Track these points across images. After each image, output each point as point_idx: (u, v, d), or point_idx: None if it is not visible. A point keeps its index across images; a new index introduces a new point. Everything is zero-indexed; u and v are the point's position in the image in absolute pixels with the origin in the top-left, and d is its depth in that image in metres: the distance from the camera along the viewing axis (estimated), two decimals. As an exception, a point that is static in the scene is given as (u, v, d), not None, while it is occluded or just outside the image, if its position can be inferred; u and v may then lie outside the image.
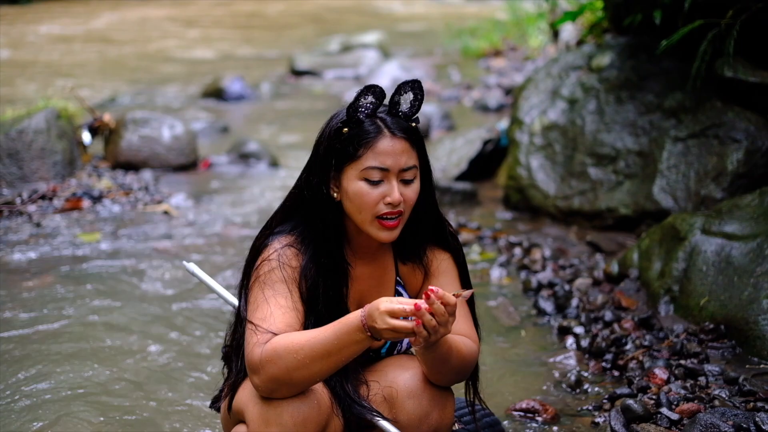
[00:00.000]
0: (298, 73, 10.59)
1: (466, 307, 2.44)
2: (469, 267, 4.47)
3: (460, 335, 2.36)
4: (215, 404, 2.63)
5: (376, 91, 2.26)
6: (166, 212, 5.52)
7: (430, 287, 2.10)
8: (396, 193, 2.25)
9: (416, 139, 2.30)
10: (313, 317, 2.30)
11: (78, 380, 3.36)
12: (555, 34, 9.01)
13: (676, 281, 3.83)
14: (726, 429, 2.70)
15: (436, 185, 5.58)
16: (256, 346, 2.17)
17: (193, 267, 2.65)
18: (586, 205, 5.10)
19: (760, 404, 2.91)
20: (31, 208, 5.49)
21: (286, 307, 2.25)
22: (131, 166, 6.40)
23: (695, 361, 3.30)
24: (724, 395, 3.01)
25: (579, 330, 3.72)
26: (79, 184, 5.92)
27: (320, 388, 2.28)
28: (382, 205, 2.26)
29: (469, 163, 6.09)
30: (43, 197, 5.65)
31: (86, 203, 5.61)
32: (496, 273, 4.47)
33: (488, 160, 6.19)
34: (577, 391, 3.29)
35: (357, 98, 2.26)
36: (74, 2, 18.43)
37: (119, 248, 4.87)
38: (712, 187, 4.61)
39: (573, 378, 3.35)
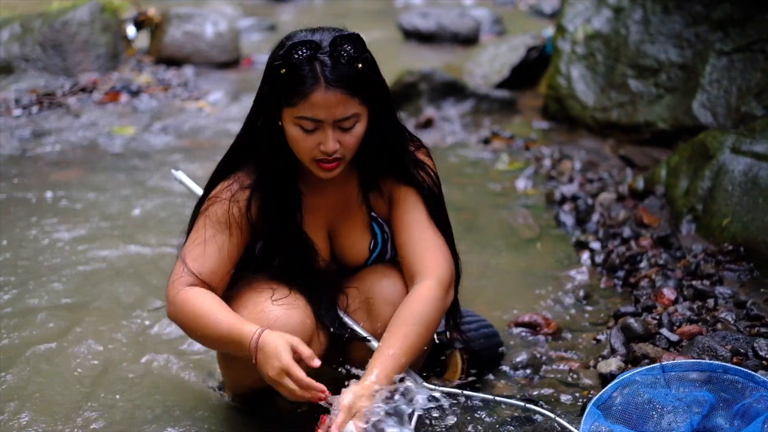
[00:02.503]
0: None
1: (427, 226, 2.38)
2: (495, 176, 4.46)
3: (416, 269, 2.33)
4: None
5: (311, 45, 2.14)
6: (201, 108, 5.54)
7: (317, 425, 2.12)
8: (330, 143, 2.18)
9: (359, 85, 2.18)
10: (271, 246, 2.33)
11: (90, 268, 3.42)
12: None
13: (701, 200, 3.74)
14: (723, 353, 2.66)
15: (475, 92, 5.58)
16: (176, 282, 2.26)
17: (181, 176, 2.65)
18: (624, 117, 4.99)
19: (763, 330, 2.85)
20: (71, 100, 5.54)
21: (218, 252, 2.27)
22: (174, 61, 6.41)
23: (708, 282, 3.24)
24: (729, 319, 2.95)
25: (595, 245, 3.67)
26: (120, 78, 5.95)
27: (303, 304, 2.32)
28: (317, 151, 2.21)
29: (511, 71, 5.98)
30: (83, 90, 5.70)
31: (124, 97, 5.64)
32: (521, 183, 4.42)
33: (532, 68, 6.07)
34: (584, 306, 3.27)
35: (293, 47, 2.14)
36: None
37: (150, 142, 4.92)
38: (753, 104, 4.46)
39: (582, 293, 3.32)
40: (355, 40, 2.18)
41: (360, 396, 2.13)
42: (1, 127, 5.06)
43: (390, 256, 2.45)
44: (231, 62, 6.53)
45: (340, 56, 2.16)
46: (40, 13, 6.24)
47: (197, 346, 2.84)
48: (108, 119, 5.29)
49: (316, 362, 2.14)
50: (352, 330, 2.35)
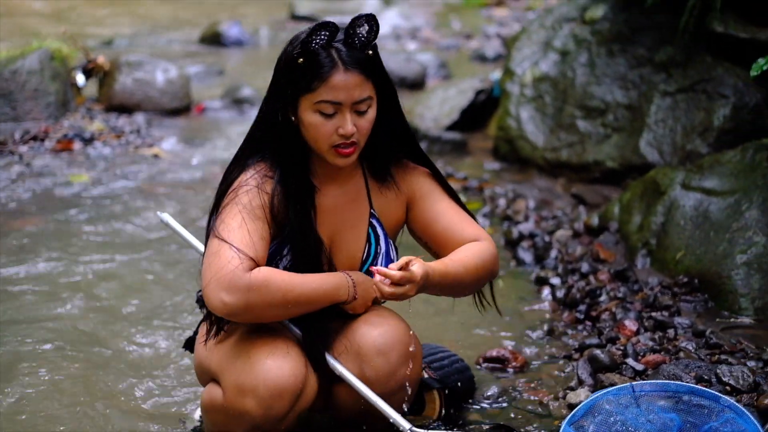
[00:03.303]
0: (297, 18, 10.52)
1: (457, 207, 2.52)
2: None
3: (467, 240, 2.46)
4: (189, 346, 2.69)
5: (330, 27, 2.28)
6: (156, 155, 5.56)
7: (373, 269, 2.28)
8: (349, 125, 2.29)
9: (372, 68, 2.33)
10: (287, 244, 2.36)
11: (58, 323, 3.42)
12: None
13: (654, 235, 3.87)
14: (688, 380, 2.76)
15: (426, 134, 5.68)
16: (239, 268, 2.22)
17: (167, 218, 2.68)
18: (573, 157, 5.11)
19: (723, 357, 2.96)
20: (23, 148, 5.53)
21: (261, 239, 2.30)
22: (125, 108, 6.41)
23: (666, 313, 3.35)
24: (690, 348, 3.06)
25: (555, 281, 3.77)
26: (72, 126, 5.94)
27: (296, 353, 2.35)
28: (335, 136, 2.30)
29: (460, 113, 6.09)
30: (35, 138, 5.68)
31: (77, 145, 5.64)
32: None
33: (481, 111, 6.18)
34: (549, 340, 3.35)
35: (311, 33, 2.28)
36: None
37: (107, 190, 4.92)
38: (698, 142, 4.63)
39: (546, 328, 3.40)
40: (371, 19, 2.30)
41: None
42: (-48, 176, 5.02)
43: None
44: (182, 109, 6.56)
45: (354, 42, 2.29)
46: (-12, 62, 6.22)
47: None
48: (62, 167, 5.28)
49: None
50: (342, 375, 2.38)
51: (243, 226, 2.28)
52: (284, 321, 2.39)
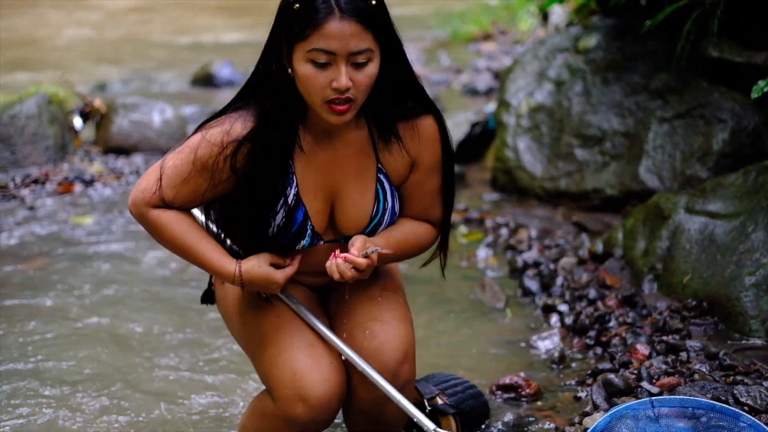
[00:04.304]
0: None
1: (439, 189, 2.48)
2: (456, 248, 4.56)
3: (418, 219, 2.48)
4: (208, 299, 2.69)
5: None
6: (156, 196, 5.56)
7: (334, 253, 2.27)
8: (343, 78, 2.15)
9: (373, 19, 2.18)
10: (250, 198, 2.31)
11: (71, 364, 3.42)
12: (544, 17, 9.04)
13: (660, 259, 3.89)
14: (705, 402, 2.76)
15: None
16: (146, 200, 2.29)
17: None
18: (572, 186, 5.14)
19: (739, 378, 2.97)
20: (24, 192, 5.54)
21: (193, 192, 2.29)
22: (122, 150, 6.43)
23: (677, 337, 3.36)
24: (704, 370, 3.07)
25: (563, 308, 3.78)
26: (71, 169, 5.96)
27: (338, 361, 2.40)
28: (329, 90, 2.17)
29: (457, 146, 6.12)
30: (35, 181, 5.69)
31: (78, 187, 5.65)
32: (482, 253, 4.53)
33: (476, 143, 6.22)
34: (561, 367, 3.36)
35: None
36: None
37: (110, 230, 4.93)
38: (697, 167, 4.66)
39: (557, 355, 3.41)
40: None
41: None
42: (-46, 222, 5.03)
43: (386, 226, 2.45)
44: (179, 148, 6.57)
45: None
46: (-14, 107, 6.24)
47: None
48: (64, 209, 5.29)
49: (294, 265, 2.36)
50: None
51: (182, 171, 2.27)
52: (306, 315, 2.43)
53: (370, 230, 2.41)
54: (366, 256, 2.28)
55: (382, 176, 2.39)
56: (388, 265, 2.57)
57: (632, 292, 3.78)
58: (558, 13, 8.51)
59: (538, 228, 4.80)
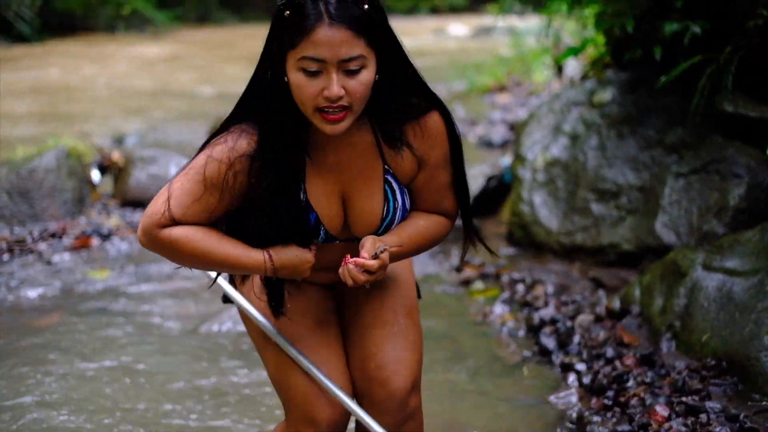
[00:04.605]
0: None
1: (450, 181, 2.43)
2: (472, 303, 4.54)
3: (437, 212, 2.44)
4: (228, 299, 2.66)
5: None
6: (173, 250, 5.58)
7: (344, 259, 2.24)
8: (334, 87, 2.11)
9: (365, 25, 2.13)
10: (261, 209, 2.28)
11: (91, 422, 3.41)
12: (559, 70, 9.10)
13: (678, 317, 3.86)
14: (725, 466, 2.73)
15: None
16: (156, 223, 2.23)
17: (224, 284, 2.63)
18: (588, 241, 5.13)
19: (760, 441, 2.94)
20: (42, 246, 5.56)
21: (203, 211, 2.24)
22: (139, 203, 6.47)
23: (696, 398, 3.33)
24: (725, 432, 3.04)
25: (581, 367, 3.75)
26: (89, 222, 5.99)
27: (346, 384, 2.44)
28: (320, 98, 2.13)
29: (472, 200, 6.12)
30: (53, 235, 5.72)
31: (95, 241, 5.68)
32: (498, 309, 4.51)
33: (492, 197, 6.23)
34: (579, 428, 3.33)
35: None
36: (83, 38, 18.61)
37: (127, 285, 4.94)
38: (714, 223, 4.65)
39: (574, 415, 3.38)
40: None
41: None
42: (-27, 277, 5.05)
43: (398, 222, 2.42)
44: (196, 202, 6.61)
45: None
46: (6, 160, 6.30)
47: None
48: (81, 264, 5.31)
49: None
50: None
51: (190, 194, 2.22)
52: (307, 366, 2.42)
53: (383, 230, 2.39)
54: (376, 257, 2.25)
55: (389, 177, 2.36)
56: (403, 279, 2.56)
57: (650, 351, 3.75)
58: (572, 66, 8.57)
59: (554, 283, 4.78)
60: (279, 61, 2.17)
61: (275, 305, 2.43)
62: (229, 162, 2.20)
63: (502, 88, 11.28)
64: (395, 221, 2.39)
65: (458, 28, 18.75)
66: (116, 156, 6.69)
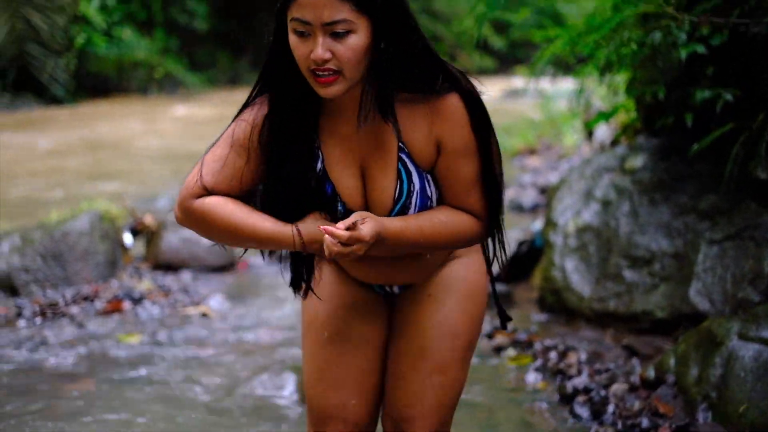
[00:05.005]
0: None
1: (478, 174, 2.32)
2: (504, 372, 4.51)
3: (461, 207, 2.34)
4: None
5: None
6: (204, 314, 5.59)
7: (319, 227, 2.21)
8: (318, 49, 2.14)
9: None
10: (278, 174, 2.30)
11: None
12: (589, 134, 9.11)
13: (714, 387, 3.81)
14: None
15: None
16: (190, 192, 2.28)
17: None
18: (621, 307, 5.09)
19: None
20: (74, 309, 5.59)
21: (233, 176, 2.28)
22: (171, 267, 6.51)
23: (734, 470, 3.27)
24: (763, 507, 2.98)
25: (616, 437, 3.71)
26: (120, 286, 6.02)
27: (374, 393, 2.56)
28: (310, 60, 2.16)
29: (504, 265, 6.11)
30: (85, 299, 5.75)
31: (127, 305, 5.70)
32: (531, 377, 4.47)
33: (523, 262, 6.22)
34: (615, 501, 3.27)
35: None
36: (117, 100, 18.88)
37: (159, 351, 4.94)
38: (749, 290, 4.60)
39: (610, 487, 3.33)
40: None
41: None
42: (6, 340, 5.07)
43: (417, 210, 2.36)
44: (227, 266, 6.64)
45: None
46: (40, 223, 6.37)
47: None
48: (112, 327, 5.33)
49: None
50: None
51: (220, 160, 2.30)
52: None
53: (398, 212, 2.33)
54: (353, 228, 2.18)
55: (404, 155, 2.31)
56: (468, 312, 2.51)
57: (686, 422, 3.70)
58: (603, 130, 8.58)
59: (587, 351, 4.74)
60: (281, 23, 2.24)
61: (297, 283, 2.45)
62: (253, 121, 2.29)
63: (532, 151, 11.31)
64: (412, 206, 2.33)
65: (488, 90, 18.82)
66: (149, 219, 6.74)
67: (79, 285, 5.95)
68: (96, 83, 19.55)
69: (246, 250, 2.43)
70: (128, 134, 14.12)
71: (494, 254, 2.46)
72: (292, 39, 2.19)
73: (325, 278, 2.54)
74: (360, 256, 2.21)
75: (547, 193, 7.27)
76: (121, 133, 14.22)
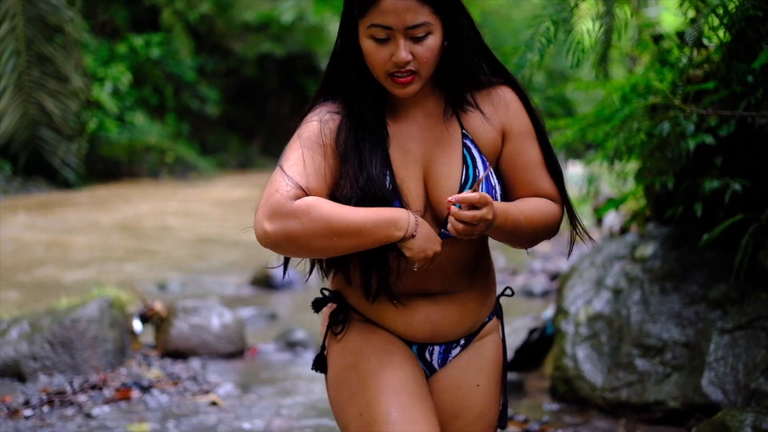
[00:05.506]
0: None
1: (542, 159, 2.43)
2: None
3: (539, 194, 2.41)
4: (319, 366, 2.56)
5: None
6: (213, 402, 5.56)
7: (448, 199, 2.19)
8: (402, 53, 2.23)
9: None
10: (352, 178, 2.30)
11: None
12: (599, 220, 9.14)
13: (729, 482, 3.76)
14: None
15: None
16: (284, 196, 2.19)
17: None
18: (633, 397, 5.05)
19: None
20: (82, 398, 5.56)
21: (318, 172, 2.26)
22: (180, 354, 6.48)
23: None
24: None
25: None
26: (129, 373, 5.99)
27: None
28: (390, 63, 2.25)
29: (515, 353, 6.09)
30: (93, 387, 5.72)
31: (135, 393, 5.67)
32: (544, 469, 4.42)
33: (534, 349, 6.19)
34: None
35: None
36: (128, 184, 19.02)
37: (166, 441, 4.91)
38: (761, 381, 4.57)
39: None
40: None
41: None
42: (12, 430, 5.03)
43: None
44: (237, 353, 6.62)
45: None
46: (49, 310, 6.37)
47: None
48: (121, 417, 5.29)
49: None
50: None
51: (299, 157, 2.27)
52: None
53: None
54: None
55: (468, 141, 2.39)
56: (487, 399, 2.54)
57: None
58: (612, 217, 8.61)
59: (600, 442, 4.69)
60: (352, 30, 2.30)
61: (375, 290, 2.37)
62: (320, 119, 2.31)
63: (541, 237, 11.30)
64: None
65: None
66: (159, 306, 6.74)
67: (87, 373, 5.92)
68: (107, 167, 19.75)
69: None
70: (139, 216, 14.20)
71: (576, 234, 2.55)
72: (369, 45, 2.26)
73: (354, 334, 2.47)
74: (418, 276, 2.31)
75: (558, 280, 7.26)
76: (132, 214, 14.30)
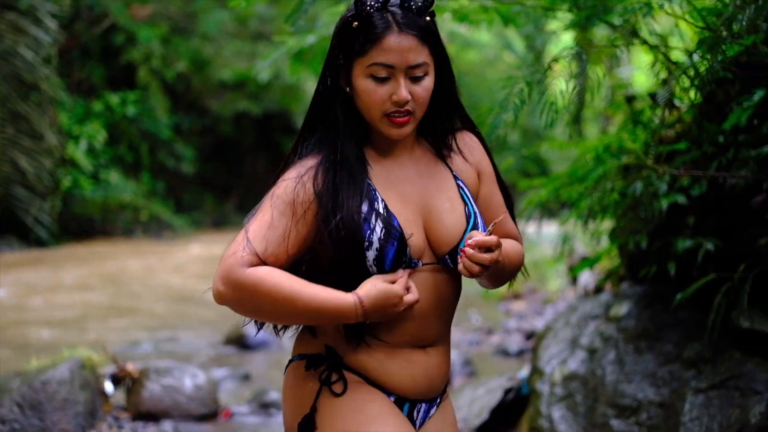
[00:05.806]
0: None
1: (503, 200, 2.52)
2: None
3: (509, 236, 2.48)
4: (306, 428, 2.44)
5: None
6: (185, 468, 5.48)
7: (467, 242, 2.20)
8: (402, 91, 2.23)
9: (428, 34, 2.27)
10: (322, 222, 2.25)
11: None
12: (574, 279, 9.16)
13: None
14: None
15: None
16: (238, 262, 2.17)
17: None
18: (610, 458, 5.03)
19: None
20: (50, 462, 5.46)
21: (282, 238, 2.21)
22: (152, 416, 6.39)
23: None
24: None
25: None
26: (99, 438, 5.90)
27: None
28: (389, 103, 2.24)
29: (490, 413, 6.05)
30: (62, 452, 5.63)
31: (105, 458, 5.58)
32: None
33: (510, 410, 6.15)
34: None
35: (362, 2, 2.26)
36: (101, 242, 18.90)
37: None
38: (737, 441, 4.56)
39: None
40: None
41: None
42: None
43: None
44: (209, 415, 6.54)
45: (410, 6, 2.25)
46: (18, 372, 6.27)
47: None
48: (90, 481, 5.20)
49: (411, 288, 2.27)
50: None
51: (266, 220, 2.22)
52: None
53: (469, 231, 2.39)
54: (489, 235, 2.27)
55: (460, 182, 2.42)
56: None
57: None
58: (587, 275, 8.63)
59: (576, 504, 4.65)
60: (344, 70, 2.28)
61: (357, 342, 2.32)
62: (297, 176, 2.26)
63: (517, 296, 11.32)
64: (479, 229, 2.38)
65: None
66: (130, 367, 6.66)
67: (56, 435, 5.82)
68: (80, 225, 19.62)
69: (286, 327, 2.42)
70: (112, 274, 14.09)
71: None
72: (367, 84, 2.25)
73: (352, 395, 2.38)
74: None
75: (533, 339, 7.25)
76: (105, 273, 14.19)
